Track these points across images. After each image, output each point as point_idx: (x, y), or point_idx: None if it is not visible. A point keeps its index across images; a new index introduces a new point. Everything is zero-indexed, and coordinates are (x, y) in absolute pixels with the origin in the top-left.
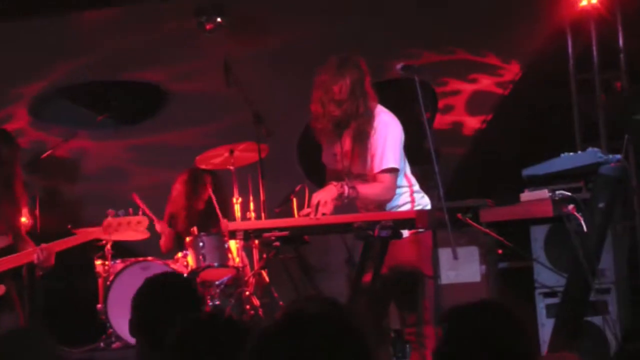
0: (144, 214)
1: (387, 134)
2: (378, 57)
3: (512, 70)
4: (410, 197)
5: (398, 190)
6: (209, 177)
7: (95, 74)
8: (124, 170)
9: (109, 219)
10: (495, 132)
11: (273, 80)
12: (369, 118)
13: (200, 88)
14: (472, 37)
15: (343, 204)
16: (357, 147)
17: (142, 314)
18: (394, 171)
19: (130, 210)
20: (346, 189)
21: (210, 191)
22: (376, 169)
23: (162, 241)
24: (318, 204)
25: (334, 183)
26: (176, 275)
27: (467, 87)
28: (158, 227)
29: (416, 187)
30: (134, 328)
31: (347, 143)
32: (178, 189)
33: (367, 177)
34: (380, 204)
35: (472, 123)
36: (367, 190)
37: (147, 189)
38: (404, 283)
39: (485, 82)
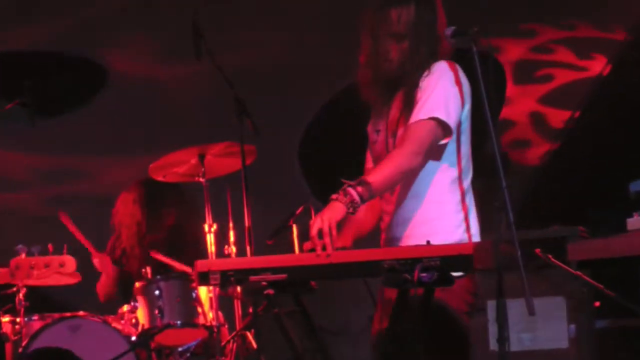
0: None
1: (439, 80)
2: None
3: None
4: (465, 219)
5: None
6: (170, 193)
7: None
8: (45, 179)
9: (19, 258)
10: (588, 130)
11: (264, 47)
12: (429, 63)
13: (154, 63)
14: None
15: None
16: (405, 112)
17: None
18: (429, 120)
19: (50, 246)
20: (353, 192)
21: (172, 216)
22: (414, 119)
23: (101, 283)
24: (321, 233)
25: (335, 195)
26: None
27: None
28: (96, 262)
29: (472, 206)
30: None
31: (395, 109)
32: (123, 211)
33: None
34: (408, 174)
35: (558, 117)
36: (379, 171)
37: (81, 204)
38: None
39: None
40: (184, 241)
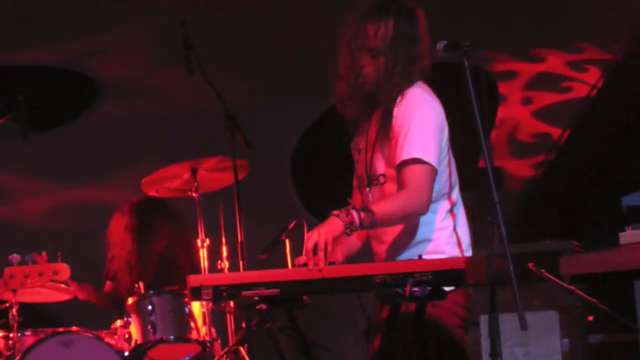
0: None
1: (417, 111)
2: None
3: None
4: (455, 234)
5: (434, 217)
6: (162, 218)
7: None
8: (38, 192)
9: (12, 267)
10: (581, 144)
11: (255, 61)
12: (402, 88)
13: (147, 77)
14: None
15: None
16: (380, 133)
17: None
18: (423, 164)
19: (44, 254)
20: (355, 215)
21: (164, 242)
22: (397, 160)
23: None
24: (316, 247)
25: (336, 212)
26: None
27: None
28: (80, 295)
29: (462, 220)
30: None
31: (373, 129)
32: (115, 236)
33: (388, 180)
34: (411, 219)
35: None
36: (386, 205)
37: (74, 214)
38: None
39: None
40: (175, 267)
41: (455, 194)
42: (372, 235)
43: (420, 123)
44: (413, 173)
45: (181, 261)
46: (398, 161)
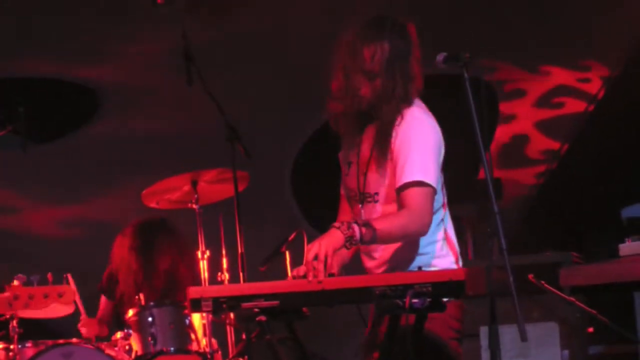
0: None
1: (417, 132)
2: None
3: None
4: (450, 246)
5: (431, 233)
6: (164, 237)
7: None
8: (40, 206)
9: (17, 287)
10: (581, 155)
11: (255, 75)
12: (400, 109)
13: (148, 87)
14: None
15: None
16: (376, 152)
17: None
18: (424, 186)
19: (50, 275)
20: (357, 229)
21: (167, 261)
22: (398, 183)
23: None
24: (316, 259)
25: (337, 224)
26: None
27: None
28: (83, 331)
29: (452, 231)
30: None
31: (366, 145)
32: (120, 258)
33: (381, 199)
34: (411, 239)
35: (547, 144)
36: (388, 223)
37: (75, 229)
38: None
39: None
40: (179, 285)
41: (446, 206)
42: (362, 250)
43: (421, 145)
44: (415, 195)
45: (184, 278)
46: (400, 183)
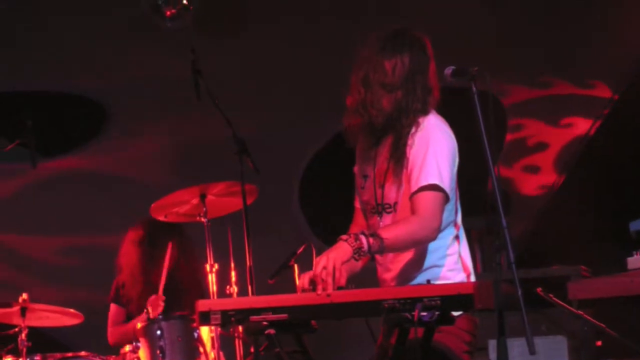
0: None
1: (433, 139)
2: None
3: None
4: (461, 260)
5: (442, 244)
6: (172, 234)
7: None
8: (45, 220)
9: (26, 297)
10: (592, 165)
11: (263, 90)
12: (417, 119)
13: (156, 102)
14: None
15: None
16: (393, 162)
17: None
18: (437, 190)
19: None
20: (364, 240)
21: (171, 257)
22: (413, 188)
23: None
24: (325, 271)
25: (345, 236)
26: None
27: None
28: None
29: (465, 245)
30: None
31: (383, 158)
32: (128, 251)
33: (400, 208)
34: (419, 245)
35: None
36: (396, 231)
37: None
38: None
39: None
40: (179, 286)
41: (460, 220)
42: (379, 261)
43: (437, 150)
44: (426, 199)
45: (184, 281)
46: (415, 187)
